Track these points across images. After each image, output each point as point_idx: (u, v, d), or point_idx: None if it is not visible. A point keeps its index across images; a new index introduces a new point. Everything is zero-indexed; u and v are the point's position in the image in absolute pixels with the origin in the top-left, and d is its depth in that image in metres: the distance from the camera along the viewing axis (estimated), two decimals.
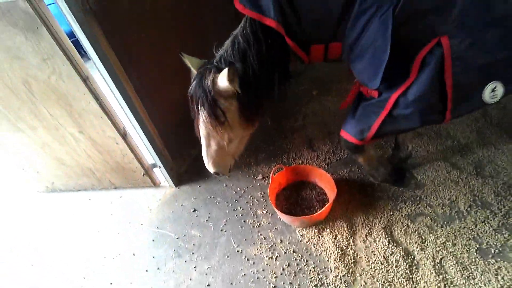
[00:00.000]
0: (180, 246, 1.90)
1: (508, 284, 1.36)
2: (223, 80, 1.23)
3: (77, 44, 1.67)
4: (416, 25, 1.12)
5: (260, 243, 1.80)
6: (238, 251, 1.79)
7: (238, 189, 2.21)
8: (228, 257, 1.77)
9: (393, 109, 1.23)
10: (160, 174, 2.34)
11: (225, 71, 1.22)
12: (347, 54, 1.28)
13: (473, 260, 1.48)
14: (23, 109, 1.91)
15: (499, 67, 1.11)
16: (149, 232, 2.05)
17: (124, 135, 2.03)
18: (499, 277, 1.39)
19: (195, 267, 1.76)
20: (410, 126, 1.31)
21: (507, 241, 1.53)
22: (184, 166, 2.47)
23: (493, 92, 1.15)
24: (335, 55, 1.32)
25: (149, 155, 2.18)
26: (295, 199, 1.99)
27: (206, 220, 2.03)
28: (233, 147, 1.56)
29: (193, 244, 1.89)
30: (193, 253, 1.84)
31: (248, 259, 1.73)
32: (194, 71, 1.42)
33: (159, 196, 2.33)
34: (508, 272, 1.40)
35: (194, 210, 2.13)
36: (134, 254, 1.92)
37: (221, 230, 1.94)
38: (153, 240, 1.99)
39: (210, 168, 1.59)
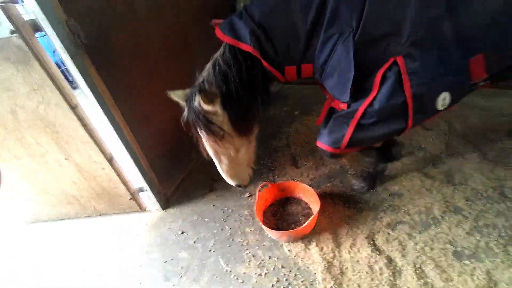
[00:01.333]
0: (168, 270, 1.88)
1: (482, 283, 1.44)
2: (201, 103, 1.38)
3: (65, 73, 1.75)
4: (374, 48, 1.31)
5: (249, 261, 1.81)
6: (227, 270, 1.79)
7: (226, 208, 2.25)
8: (217, 277, 1.76)
9: (362, 119, 1.39)
10: (147, 198, 2.34)
11: (198, 97, 1.36)
12: (319, 74, 1.45)
13: (450, 262, 1.56)
14: (9, 138, 1.93)
15: (445, 81, 1.31)
16: (136, 258, 2.02)
17: (110, 160, 2.06)
18: (475, 277, 1.47)
19: None
20: (379, 133, 1.44)
21: (479, 242, 1.63)
22: (172, 189, 2.49)
23: (443, 101, 1.34)
24: (307, 74, 1.49)
25: (136, 180, 2.20)
26: (282, 215, 2.05)
27: (194, 242, 2.03)
28: (243, 155, 1.65)
29: (181, 267, 1.88)
30: (181, 276, 1.82)
31: (237, 278, 1.73)
32: (182, 103, 1.52)
33: (146, 221, 2.31)
34: (482, 271, 1.49)
35: (182, 232, 2.13)
36: (121, 281, 1.87)
37: (210, 251, 1.94)
38: (140, 266, 1.96)
39: (230, 182, 1.71)
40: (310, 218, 1.78)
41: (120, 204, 2.37)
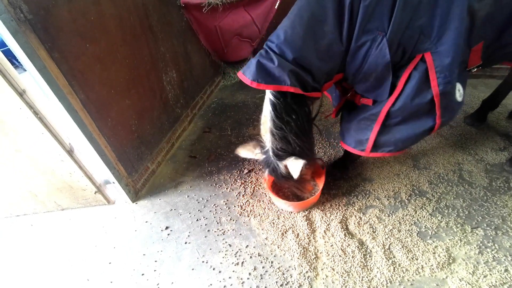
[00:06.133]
0: (141, 265, 1.80)
1: (443, 260, 1.56)
2: (295, 174, 1.54)
3: (9, 54, 1.51)
4: (404, 47, 1.27)
5: (226, 251, 1.79)
6: (203, 261, 1.76)
7: (201, 198, 2.19)
8: (193, 269, 1.73)
9: (386, 120, 1.40)
10: (115, 191, 2.20)
11: (282, 165, 1.60)
12: (351, 80, 1.45)
13: (415, 242, 1.67)
14: None
15: (458, 71, 1.30)
16: (105, 254, 1.91)
17: (70, 151, 1.88)
18: (436, 255, 1.59)
19: (158, 284, 1.68)
20: (406, 135, 1.45)
21: (440, 223, 1.76)
22: (141, 181, 2.36)
23: (458, 92, 1.34)
24: (337, 79, 1.52)
25: (101, 172, 2.04)
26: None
27: (168, 234, 1.96)
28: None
29: (155, 261, 1.81)
30: (155, 270, 1.76)
31: (214, 269, 1.71)
32: (252, 157, 1.78)
33: (114, 214, 2.18)
34: (443, 250, 1.61)
35: (155, 225, 2.04)
36: (88, 280, 1.76)
37: (185, 243, 1.88)
38: (110, 263, 1.85)
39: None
40: (320, 189, 1.94)
41: (85, 197, 2.20)
